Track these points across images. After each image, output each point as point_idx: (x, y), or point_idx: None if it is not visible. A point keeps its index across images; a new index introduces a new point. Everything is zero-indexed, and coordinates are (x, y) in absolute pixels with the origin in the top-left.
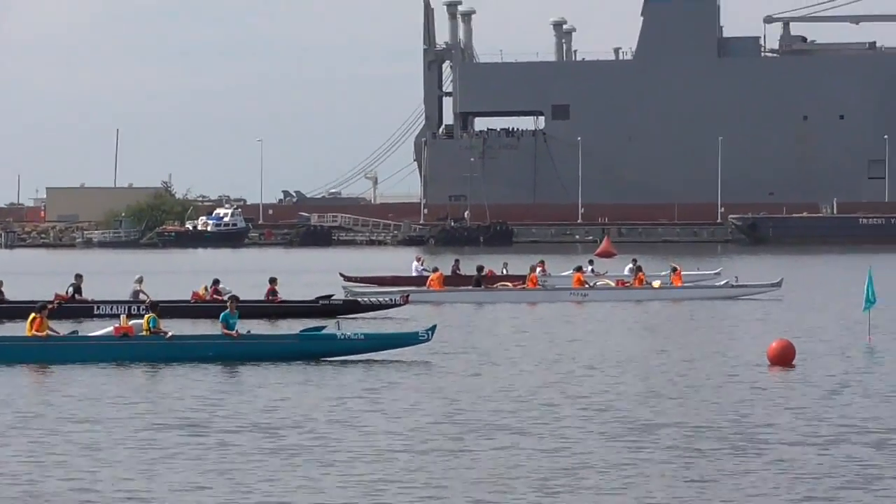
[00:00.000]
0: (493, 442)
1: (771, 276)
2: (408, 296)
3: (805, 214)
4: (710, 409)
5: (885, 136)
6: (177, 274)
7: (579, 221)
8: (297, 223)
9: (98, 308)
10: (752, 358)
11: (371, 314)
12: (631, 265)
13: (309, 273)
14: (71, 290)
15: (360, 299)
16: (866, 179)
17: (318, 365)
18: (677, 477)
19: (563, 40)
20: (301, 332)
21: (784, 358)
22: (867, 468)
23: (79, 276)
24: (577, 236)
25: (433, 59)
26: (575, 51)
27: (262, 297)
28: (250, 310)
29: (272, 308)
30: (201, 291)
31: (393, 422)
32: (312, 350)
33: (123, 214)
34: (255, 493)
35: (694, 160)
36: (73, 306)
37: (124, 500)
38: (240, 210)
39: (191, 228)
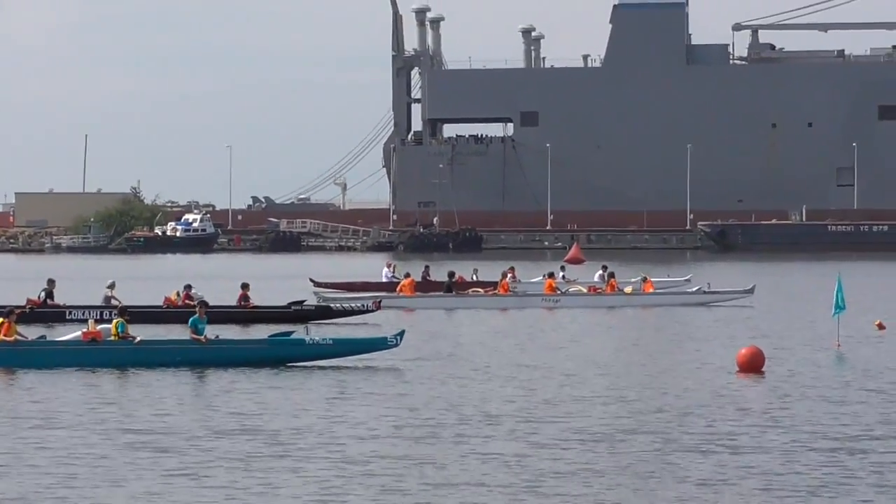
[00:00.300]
0: (458, 448)
1: (741, 283)
2: (380, 301)
3: (774, 222)
4: (676, 415)
5: (854, 144)
6: (146, 280)
7: (548, 228)
8: (266, 229)
9: (70, 313)
10: (722, 365)
11: (343, 320)
12: (601, 272)
13: (278, 279)
14: (43, 294)
15: (332, 305)
16: (835, 187)
17: (287, 370)
18: (639, 483)
19: (532, 47)
20: (270, 337)
21: (753, 365)
22: (831, 474)
23: (51, 282)
24: (547, 243)
25: (402, 66)
26: (544, 58)
27: (233, 303)
28: (223, 315)
29: (244, 314)
30: (173, 297)
31: (356, 427)
32: (281, 355)
33: (92, 220)
34: (216, 499)
35: (663, 167)
36: (46, 311)
37: None
38: (209, 216)
39: (160, 234)
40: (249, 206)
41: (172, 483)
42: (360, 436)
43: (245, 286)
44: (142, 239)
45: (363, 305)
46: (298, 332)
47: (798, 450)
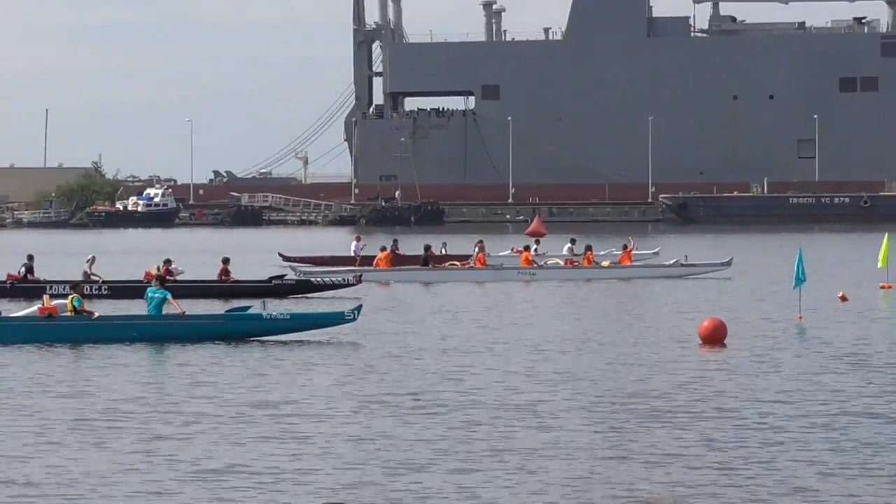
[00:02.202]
0: (415, 424)
1: (704, 255)
2: (360, 275)
3: (735, 194)
4: (635, 386)
5: (815, 116)
6: (109, 254)
7: (510, 202)
8: (228, 203)
9: (50, 288)
10: (685, 337)
11: (326, 294)
12: (569, 244)
13: (243, 253)
14: (23, 270)
15: (312, 279)
16: (796, 159)
17: (243, 345)
18: (596, 453)
19: (493, 20)
20: (227, 312)
21: (715, 336)
22: (783, 444)
23: (31, 257)
24: (508, 216)
25: (363, 40)
26: (505, 31)
27: (214, 277)
28: (203, 290)
29: (225, 288)
30: (153, 271)
31: (312, 402)
32: (238, 330)
33: (53, 195)
34: (170, 472)
35: (624, 140)
36: (26, 286)
37: (41, 483)
38: (170, 190)
39: (121, 209)
40: (211, 180)
41: (124, 460)
42: (315, 413)
43: (226, 260)
44: (103, 214)
45: (344, 279)
46: (255, 307)
47: (752, 422)
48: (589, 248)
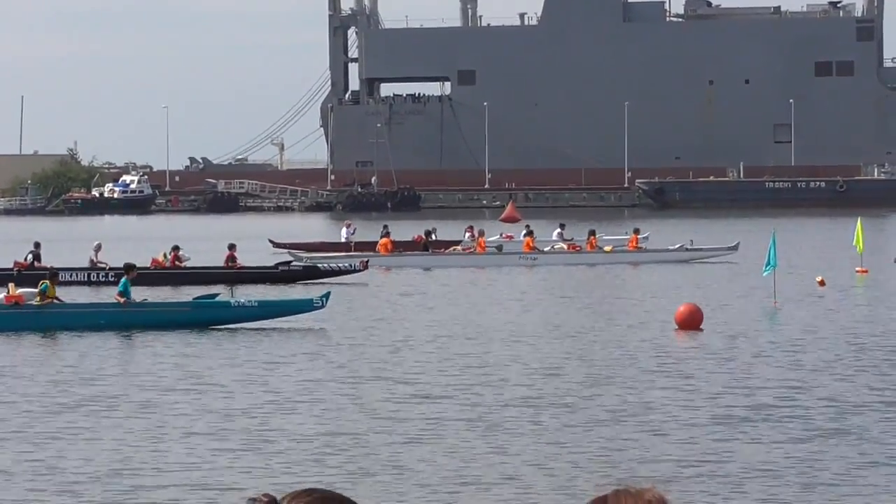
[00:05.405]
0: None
1: (679, 240)
2: (367, 261)
3: (712, 179)
4: (609, 371)
5: (791, 101)
6: (85, 241)
7: (486, 187)
8: (204, 190)
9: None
10: (662, 322)
11: (332, 280)
12: (559, 230)
13: (221, 240)
14: (30, 257)
15: (319, 265)
16: (772, 143)
17: (210, 332)
18: (569, 442)
19: (469, 6)
20: (194, 299)
21: (691, 322)
22: (757, 426)
23: (38, 244)
24: (485, 202)
25: (339, 25)
26: (480, 16)
27: (221, 264)
28: (210, 276)
29: (232, 274)
30: (161, 258)
31: (278, 391)
32: (206, 318)
33: (29, 182)
34: (123, 460)
35: (600, 125)
36: (33, 273)
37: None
38: (146, 177)
39: (97, 195)
40: (187, 166)
41: (84, 445)
42: (280, 402)
43: (232, 247)
44: (79, 201)
45: (350, 265)
46: (223, 294)
47: (725, 405)
48: (592, 232)
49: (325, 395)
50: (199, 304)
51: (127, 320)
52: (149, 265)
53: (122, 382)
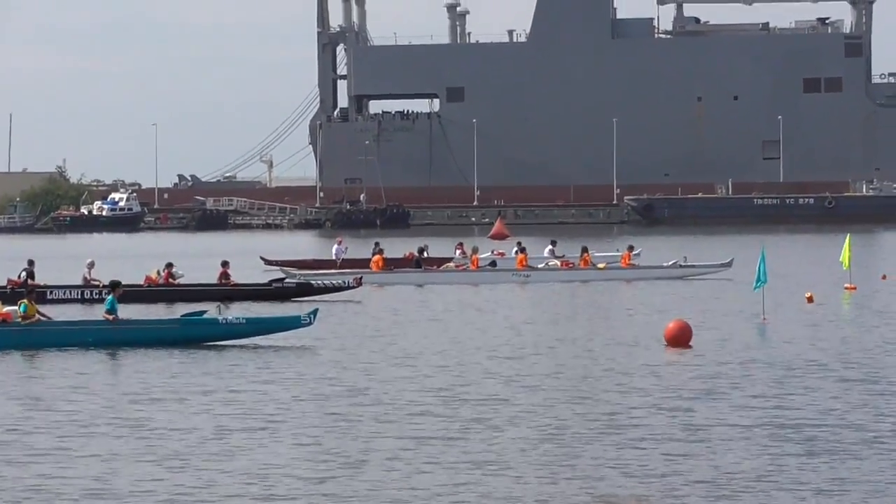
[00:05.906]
0: (367, 428)
1: (669, 256)
2: (360, 278)
3: (700, 195)
4: (598, 388)
5: (779, 117)
6: (75, 258)
7: (475, 204)
8: (193, 207)
9: (51, 293)
10: (651, 339)
11: (325, 297)
12: (550, 246)
13: (210, 257)
14: (24, 274)
15: (312, 282)
16: (761, 160)
17: (198, 350)
18: (555, 456)
19: (457, 23)
20: (182, 316)
21: (680, 339)
22: (750, 447)
23: (31, 262)
24: (474, 219)
25: (327, 42)
26: (469, 33)
27: (214, 281)
28: (204, 293)
29: (225, 291)
30: (154, 275)
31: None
32: (194, 335)
33: (18, 199)
34: (101, 478)
35: (589, 142)
36: (26, 291)
37: None
38: (135, 194)
39: (86, 213)
40: (175, 184)
41: (68, 465)
42: (269, 425)
43: (225, 263)
44: (68, 218)
45: (344, 282)
46: (211, 311)
47: (711, 425)
48: (585, 249)
49: (312, 414)
50: (187, 322)
51: (115, 338)
52: (142, 283)
53: (105, 400)
